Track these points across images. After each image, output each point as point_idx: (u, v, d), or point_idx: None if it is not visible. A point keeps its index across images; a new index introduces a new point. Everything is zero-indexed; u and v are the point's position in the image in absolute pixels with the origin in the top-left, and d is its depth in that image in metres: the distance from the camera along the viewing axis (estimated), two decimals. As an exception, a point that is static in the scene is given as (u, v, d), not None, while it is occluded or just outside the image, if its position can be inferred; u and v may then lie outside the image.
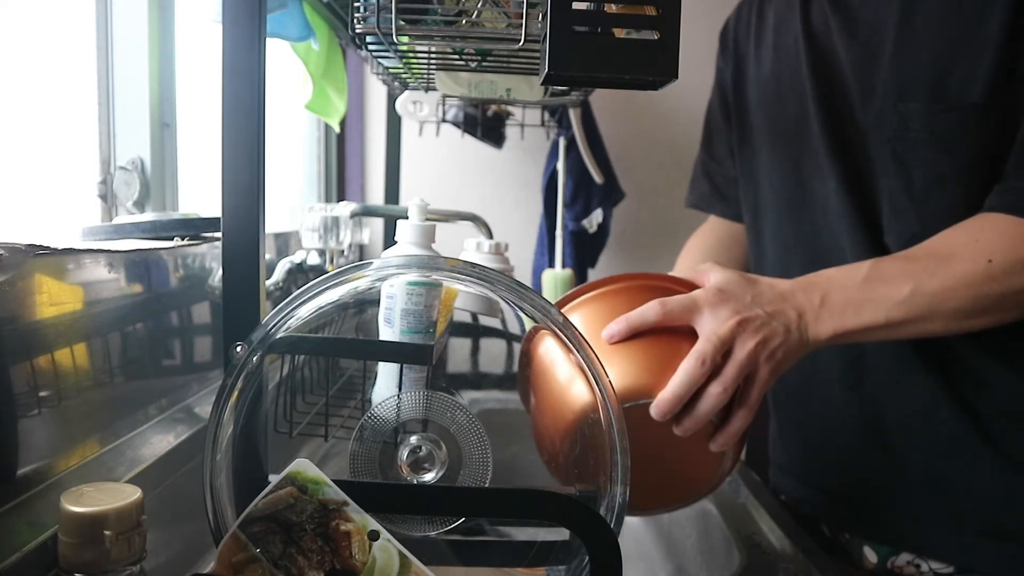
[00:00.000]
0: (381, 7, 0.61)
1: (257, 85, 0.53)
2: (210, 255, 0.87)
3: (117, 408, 0.70)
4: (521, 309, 0.58)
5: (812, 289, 0.70)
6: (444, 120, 1.32)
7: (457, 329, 1.16)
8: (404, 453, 0.58)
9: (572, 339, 0.57)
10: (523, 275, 1.55)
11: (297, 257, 1.01)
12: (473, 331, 1.16)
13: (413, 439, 0.58)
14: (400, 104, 1.17)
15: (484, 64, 0.83)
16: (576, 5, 0.51)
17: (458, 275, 0.60)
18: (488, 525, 0.69)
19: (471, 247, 0.93)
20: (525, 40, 0.60)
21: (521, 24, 0.59)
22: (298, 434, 0.65)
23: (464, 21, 0.64)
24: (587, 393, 0.60)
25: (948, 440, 0.82)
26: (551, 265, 1.43)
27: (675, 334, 0.66)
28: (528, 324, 0.79)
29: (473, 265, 0.58)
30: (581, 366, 0.57)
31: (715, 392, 0.63)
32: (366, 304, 0.65)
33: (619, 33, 0.52)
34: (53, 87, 0.82)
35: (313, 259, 1.04)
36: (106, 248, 0.69)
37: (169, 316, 0.81)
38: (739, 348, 0.65)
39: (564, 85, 1.04)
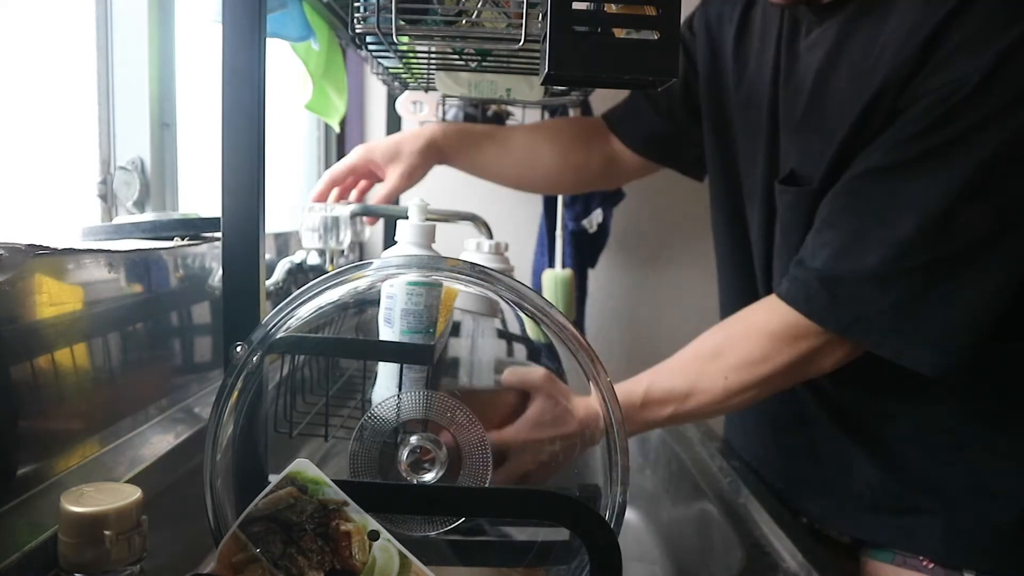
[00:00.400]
0: (381, 7, 0.61)
1: (257, 85, 0.53)
2: (210, 255, 0.87)
3: (117, 408, 0.70)
4: (521, 309, 0.58)
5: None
6: (444, 120, 1.32)
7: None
8: (404, 453, 0.58)
9: (570, 340, 0.57)
10: (523, 275, 1.55)
11: (297, 257, 1.01)
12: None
13: (413, 439, 0.58)
14: (400, 104, 1.17)
15: (484, 64, 0.83)
16: (576, 5, 0.51)
17: (458, 275, 0.60)
18: (488, 525, 0.69)
19: (471, 247, 0.93)
20: (525, 40, 0.60)
21: (521, 24, 0.59)
22: (298, 434, 0.65)
23: (464, 21, 0.64)
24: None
25: (828, 436, 0.95)
26: (551, 265, 1.43)
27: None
28: (528, 324, 0.79)
29: (473, 265, 0.58)
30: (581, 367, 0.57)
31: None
32: (366, 304, 0.65)
33: (619, 33, 0.52)
34: (53, 87, 0.82)
35: (313, 259, 1.03)
36: (106, 248, 0.69)
37: (169, 316, 0.81)
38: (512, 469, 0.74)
39: (564, 85, 1.04)
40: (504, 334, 1.04)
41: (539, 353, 1.06)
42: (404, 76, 1.03)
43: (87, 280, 0.66)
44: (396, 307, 0.62)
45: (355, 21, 0.63)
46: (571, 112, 1.36)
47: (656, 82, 0.55)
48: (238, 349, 0.54)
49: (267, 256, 0.75)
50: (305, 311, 0.56)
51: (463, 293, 0.78)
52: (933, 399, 0.85)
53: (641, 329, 1.71)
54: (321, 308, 0.57)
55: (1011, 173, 0.74)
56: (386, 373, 0.65)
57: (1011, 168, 0.74)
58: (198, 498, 0.55)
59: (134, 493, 0.48)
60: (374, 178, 1.08)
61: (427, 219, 0.70)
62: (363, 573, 0.51)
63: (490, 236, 1.13)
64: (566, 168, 1.17)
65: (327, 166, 1.58)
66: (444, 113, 1.30)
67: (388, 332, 0.63)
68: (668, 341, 1.63)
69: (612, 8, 0.52)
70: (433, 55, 0.87)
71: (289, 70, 1.11)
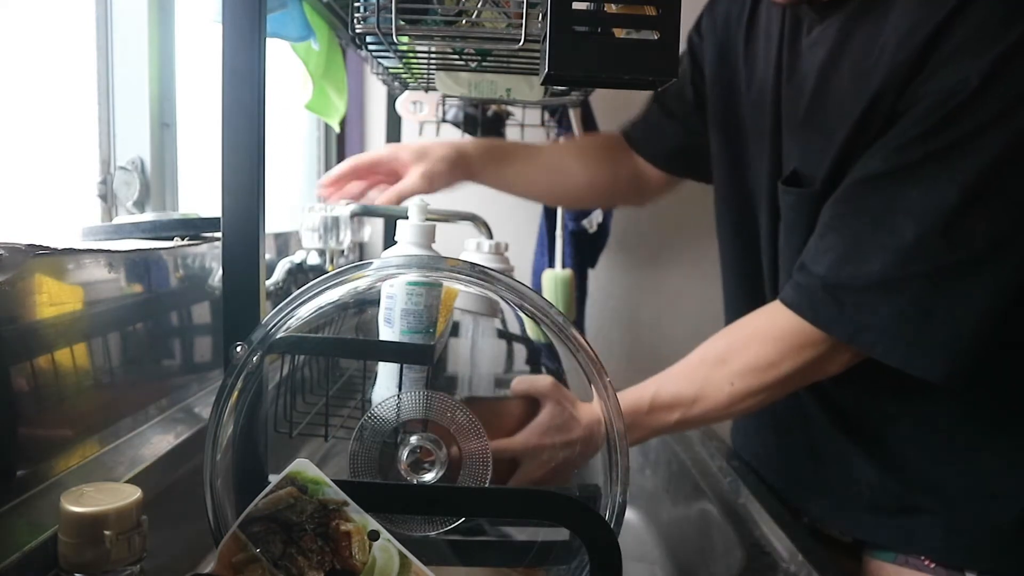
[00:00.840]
0: (381, 7, 0.61)
1: (257, 85, 0.53)
2: (210, 255, 0.87)
3: (117, 408, 0.70)
4: (521, 309, 0.58)
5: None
6: (444, 120, 1.32)
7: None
8: (404, 453, 0.58)
9: (570, 341, 0.57)
10: (523, 275, 1.55)
11: (297, 257, 1.01)
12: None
13: (413, 439, 0.58)
14: (400, 104, 1.17)
15: (484, 64, 0.83)
16: (576, 5, 0.51)
17: (458, 275, 0.60)
18: (488, 525, 0.69)
19: (471, 247, 0.93)
20: (525, 40, 0.60)
21: (521, 24, 0.59)
22: (298, 434, 0.65)
23: (464, 21, 0.64)
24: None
25: (828, 437, 0.95)
26: (551, 265, 1.43)
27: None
28: (528, 324, 0.80)
29: (473, 265, 0.58)
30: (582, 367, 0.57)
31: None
32: (366, 304, 0.65)
33: (619, 33, 0.52)
34: (53, 87, 0.82)
35: (313, 259, 1.03)
36: (106, 248, 0.69)
37: (169, 316, 0.81)
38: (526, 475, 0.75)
39: (564, 85, 1.04)
40: (504, 334, 1.04)
41: (539, 353, 1.06)
42: (404, 76, 1.03)
43: (87, 280, 0.66)
44: (396, 307, 0.62)
45: (355, 21, 0.63)
46: (571, 112, 1.36)
47: (656, 82, 0.55)
48: (238, 349, 0.54)
49: (267, 256, 0.75)
50: (305, 311, 0.56)
51: (463, 293, 0.78)
52: (933, 400, 0.85)
53: (641, 329, 1.71)
54: (321, 308, 0.57)
55: (1013, 175, 0.74)
56: (386, 373, 0.65)
57: (1013, 170, 0.74)
58: (198, 498, 0.55)
59: (134, 493, 0.48)
60: (395, 177, 1.06)
61: (427, 219, 0.70)
62: (363, 573, 0.51)
63: (490, 236, 1.13)
64: (594, 184, 1.18)
65: (327, 166, 1.59)
66: (444, 113, 1.30)
67: (388, 332, 0.63)
68: (668, 341, 1.64)
69: (612, 8, 0.52)
70: (433, 55, 0.87)
71: (289, 70, 1.11)
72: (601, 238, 1.54)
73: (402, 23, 0.62)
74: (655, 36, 0.51)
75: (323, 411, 0.65)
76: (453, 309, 0.76)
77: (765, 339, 0.83)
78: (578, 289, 1.49)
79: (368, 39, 0.68)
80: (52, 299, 0.61)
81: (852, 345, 0.79)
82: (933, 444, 0.87)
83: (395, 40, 0.63)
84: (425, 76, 0.98)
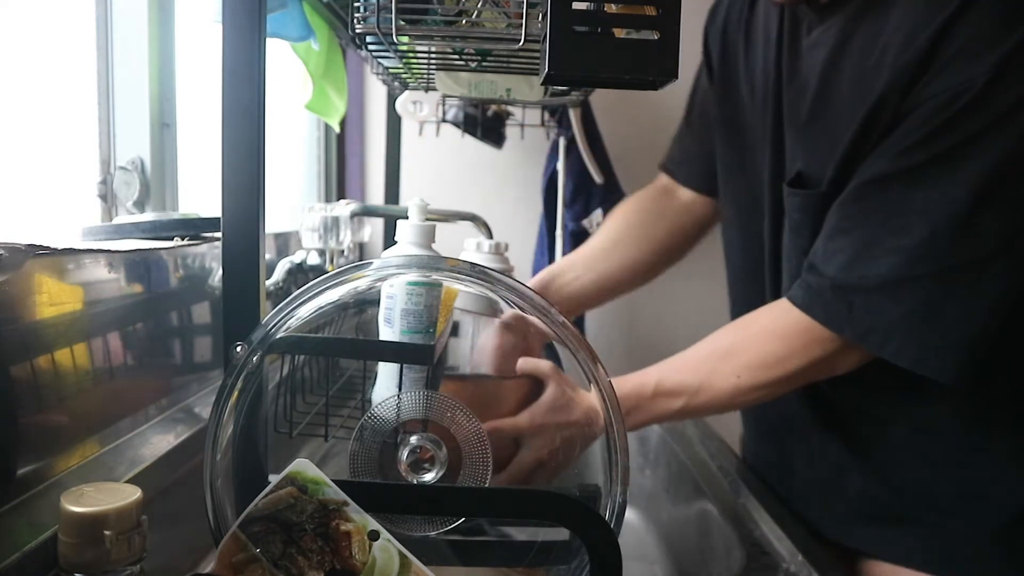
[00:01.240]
0: (381, 7, 0.61)
1: (257, 85, 0.53)
2: (210, 255, 0.87)
3: (117, 408, 0.70)
4: (521, 309, 0.58)
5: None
6: (444, 120, 1.32)
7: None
8: (404, 453, 0.58)
9: (571, 340, 0.57)
10: (523, 275, 1.55)
11: (297, 257, 1.01)
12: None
13: (413, 439, 0.58)
14: (400, 104, 1.17)
15: (484, 64, 0.83)
16: (576, 5, 0.51)
17: (458, 275, 0.60)
18: (488, 525, 0.69)
19: (471, 247, 0.93)
20: (525, 40, 0.60)
21: (521, 24, 0.59)
22: (298, 434, 0.65)
23: (464, 21, 0.64)
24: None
25: (820, 442, 0.95)
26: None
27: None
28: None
29: (473, 265, 0.58)
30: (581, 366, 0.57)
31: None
32: (366, 304, 0.65)
33: (619, 33, 0.52)
34: (53, 87, 0.82)
35: (313, 259, 1.03)
36: (106, 248, 0.69)
37: (169, 316, 0.81)
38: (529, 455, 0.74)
39: (564, 85, 1.04)
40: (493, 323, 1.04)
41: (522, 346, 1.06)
42: (404, 76, 1.03)
43: (87, 280, 0.66)
44: (396, 307, 0.62)
45: (355, 21, 0.63)
46: (571, 112, 1.36)
47: (656, 82, 0.55)
48: (238, 349, 0.54)
49: (267, 256, 0.75)
50: (305, 311, 0.56)
51: (463, 293, 0.78)
52: (928, 404, 0.85)
53: (641, 329, 1.71)
54: (321, 308, 0.57)
55: (1020, 173, 0.74)
56: (386, 373, 0.65)
57: (1020, 169, 0.73)
58: (198, 498, 0.55)
59: (134, 493, 0.48)
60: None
61: (427, 219, 0.70)
62: (363, 573, 0.51)
63: (490, 236, 1.13)
64: (656, 251, 1.15)
65: (327, 166, 1.59)
66: (444, 113, 1.30)
67: (388, 332, 0.63)
68: (668, 341, 1.63)
69: (612, 8, 0.52)
70: (433, 55, 0.87)
71: (289, 70, 1.11)
72: (601, 238, 1.54)
73: (402, 23, 0.62)
74: (655, 36, 0.51)
75: (323, 411, 0.65)
76: (453, 309, 0.76)
77: (774, 335, 0.83)
78: (578, 289, 1.49)
79: (368, 39, 0.68)
80: (52, 299, 0.61)
81: (862, 345, 0.79)
82: (926, 450, 0.87)
83: (395, 40, 0.63)
84: (425, 76, 0.98)
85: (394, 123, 1.46)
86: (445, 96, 1.18)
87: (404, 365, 0.63)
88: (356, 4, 0.63)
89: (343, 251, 1.06)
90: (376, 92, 1.59)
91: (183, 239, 0.79)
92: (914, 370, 0.78)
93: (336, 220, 1.04)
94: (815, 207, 0.85)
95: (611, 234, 1.15)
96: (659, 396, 0.84)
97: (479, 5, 0.63)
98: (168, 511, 0.63)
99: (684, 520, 1.01)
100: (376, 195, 1.63)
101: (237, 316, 0.55)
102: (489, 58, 0.81)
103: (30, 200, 0.79)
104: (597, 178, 1.43)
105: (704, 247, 1.19)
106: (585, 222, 1.49)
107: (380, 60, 0.94)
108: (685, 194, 1.16)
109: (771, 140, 0.93)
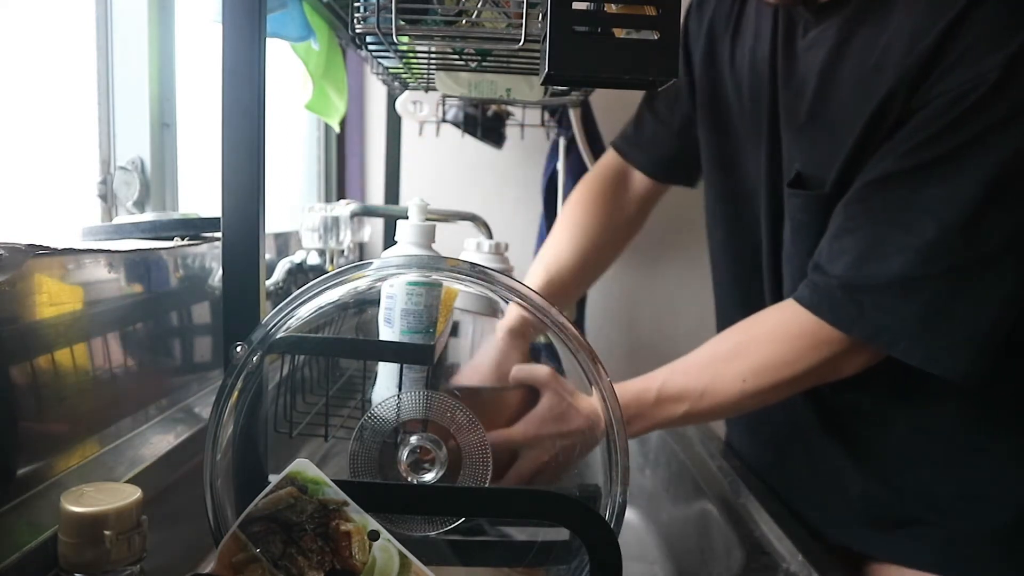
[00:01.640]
0: (381, 7, 0.61)
1: (257, 85, 0.53)
2: (210, 255, 0.87)
3: (117, 408, 0.70)
4: (521, 309, 0.58)
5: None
6: (444, 120, 1.32)
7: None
8: (404, 453, 0.58)
9: (571, 340, 0.57)
10: (523, 275, 1.54)
11: (297, 257, 1.01)
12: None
13: (413, 439, 0.58)
14: (400, 104, 1.17)
15: (484, 64, 0.83)
16: (576, 5, 0.51)
17: (458, 275, 0.60)
18: (488, 525, 0.69)
19: (471, 247, 0.93)
20: (525, 40, 0.60)
21: (521, 24, 0.59)
22: (298, 434, 0.65)
23: (464, 21, 0.64)
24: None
25: (821, 445, 0.95)
26: (551, 265, 1.42)
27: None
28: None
29: (473, 265, 0.58)
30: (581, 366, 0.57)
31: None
32: (366, 304, 0.65)
33: (619, 33, 0.52)
34: (53, 87, 0.82)
35: (313, 259, 1.03)
36: (106, 248, 0.69)
37: (169, 316, 0.81)
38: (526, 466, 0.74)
39: (564, 85, 1.04)
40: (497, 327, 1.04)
41: (539, 353, 1.06)
42: (404, 76, 1.03)
43: (87, 280, 0.66)
44: (396, 307, 0.62)
45: (355, 21, 0.63)
46: (571, 112, 1.36)
47: (656, 82, 0.54)
48: (238, 349, 0.54)
49: (267, 256, 0.75)
50: (305, 311, 0.56)
51: (463, 293, 0.78)
52: (930, 404, 0.85)
53: (641, 329, 1.71)
54: (321, 308, 0.57)
55: None
56: (386, 373, 0.65)
57: None
58: (198, 498, 0.55)
59: (134, 493, 0.48)
60: None
61: (427, 219, 0.70)
62: (363, 573, 0.51)
63: (490, 236, 1.13)
64: (603, 243, 1.16)
65: (327, 166, 1.59)
66: (444, 113, 1.30)
67: (388, 332, 0.63)
68: (668, 341, 1.64)
69: (612, 8, 0.52)
70: (433, 55, 0.87)
71: (289, 70, 1.11)
72: (601, 238, 1.54)
73: (402, 23, 0.62)
74: (655, 36, 0.51)
75: (323, 411, 0.65)
76: (453, 309, 0.76)
77: (781, 337, 0.82)
78: (578, 289, 1.49)
79: (368, 39, 0.68)
80: (52, 299, 0.61)
81: (872, 345, 0.79)
82: (926, 450, 0.87)
83: (395, 40, 0.63)
84: (425, 76, 0.98)
85: (394, 123, 1.46)
86: (445, 96, 1.18)
87: (404, 365, 0.63)
88: (356, 4, 0.63)
89: (343, 251, 1.06)
90: (376, 92, 1.59)
91: (183, 239, 0.79)
92: (924, 368, 0.77)
93: (336, 220, 1.04)
94: (819, 208, 0.84)
95: (574, 229, 1.15)
96: (662, 402, 0.83)
97: (479, 5, 0.63)
98: (168, 511, 0.63)
99: (684, 520, 1.01)
100: (376, 195, 1.63)
101: (237, 316, 0.55)
102: (489, 58, 0.81)
103: (30, 200, 0.79)
104: (597, 178, 1.43)
105: (704, 246, 1.19)
106: (585, 222, 1.49)
107: (380, 60, 0.94)
108: (638, 179, 1.16)
109: (766, 141, 0.92)
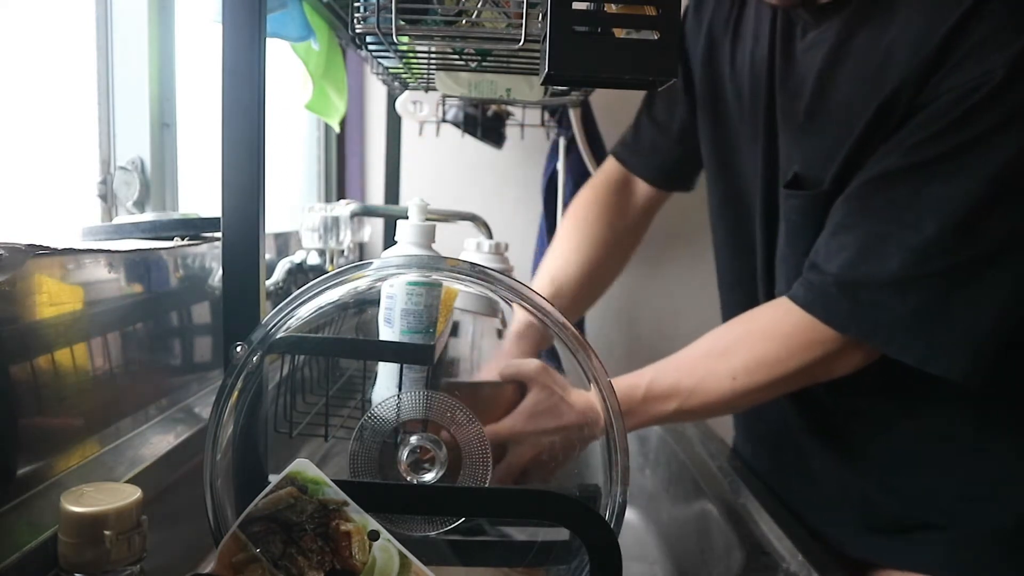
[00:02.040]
0: (381, 7, 0.61)
1: (257, 85, 0.53)
2: (210, 255, 0.87)
3: (117, 408, 0.70)
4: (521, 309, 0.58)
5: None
6: (444, 120, 1.32)
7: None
8: (404, 453, 0.58)
9: (571, 340, 0.57)
10: (523, 275, 1.55)
11: (297, 257, 1.01)
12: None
13: (413, 439, 0.58)
14: (400, 104, 1.17)
15: (484, 64, 0.83)
16: (576, 5, 0.51)
17: (458, 275, 0.60)
18: (488, 525, 0.69)
19: (471, 247, 0.93)
20: (525, 40, 0.60)
21: (521, 24, 0.59)
22: (298, 434, 0.65)
23: (464, 21, 0.64)
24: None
25: (818, 451, 0.94)
26: (551, 265, 1.42)
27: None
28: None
29: (473, 265, 0.58)
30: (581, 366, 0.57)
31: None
32: (366, 304, 0.65)
33: (619, 33, 0.52)
34: (53, 87, 0.82)
35: (313, 259, 1.03)
36: (106, 248, 0.69)
37: (169, 316, 0.81)
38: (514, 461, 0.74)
39: (564, 85, 1.04)
40: (504, 334, 1.04)
41: (539, 353, 1.06)
42: (404, 76, 1.03)
43: (87, 280, 0.66)
44: (396, 307, 0.62)
45: (355, 21, 0.63)
46: (571, 112, 1.36)
47: (656, 82, 0.55)
48: (238, 349, 0.54)
49: (267, 256, 0.75)
50: (305, 311, 0.56)
51: (463, 293, 0.78)
52: (928, 405, 0.85)
53: (641, 329, 1.71)
54: (321, 308, 0.57)
55: None
56: (386, 373, 0.65)
57: None
58: (198, 498, 0.55)
59: (134, 493, 0.48)
60: None
61: (427, 219, 0.70)
62: (363, 573, 0.51)
63: (490, 236, 1.13)
64: (617, 246, 1.16)
65: (327, 166, 1.59)
66: (444, 113, 1.30)
67: (388, 332, 0.63)
68: (668, 341, 1.63)
69: (612, 8, 0.52)
70: (433, 55, 0.87)
71: (289, 70, 1.11)
72: (601, 238, 1.54)
73: (402, 23, 0.62)
74: (655, 36, 0.51)
75: (323, 411, 0.65)
76: (453, 309, 0.76)
77: (772, 335, 0.82)
78: (578, 289, 1.49)
79: (368, 39, 0.68)
80: (52, 299, 0.61)
81: (867, 343, 0.78)
82: (927, 453, 0.87)
83: (395, 40, 0.63)
84: (425, 76, 0.98)
85: (394, 123, 1.46)
86: (445, 96, 1.18)
87: (404, 365, 0.63)
88: (356, 4, 0.63)
89: (343, 251, 1.06)
90: (376, 92, 1.59)
91: (183, 239, 0.79)
92: (921, 368, 0.77)
93: (336, 220, 1.04)
94: (815, 208, 0.84)
95: (579, 239, 1.15)
96: (651, 399, 0.82)
97: (479, 5, 0.63)
98: (168, 511, 0.63)
99: (684, 520, 1.01)
100: (376, 195, 1.63)
101: (237, 316, 0.55)
102: (489, 58, 0.81)
103: (30, 200, 0.79)
104: (597, 178, 1.43)
105: (704, 247, 1.19)
106: (585, 222, 1.49)
107: (380, 60, 0.94)
108: (641, 187, 1.16)
109: (763, 142, 0.92)
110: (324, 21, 1.04)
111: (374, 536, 0.51)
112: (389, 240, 1.41)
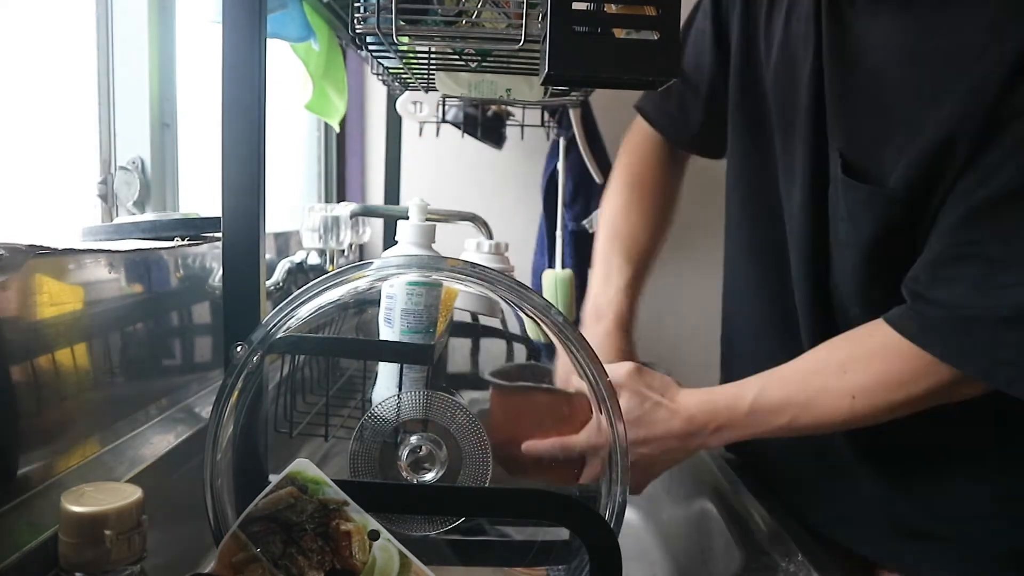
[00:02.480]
0: (381, 7, 0.61)
1: (257, 85, 0.53)
2: (210, 255, 0.87)
3: (117, 408, 0.70)
4: (521, 309, 0.58)
5: (707, 419, 0.78)
6: (444, 120, 1.32)
7: (457, 329, 1.16)
8: (404, 453, 0.58)
9: (571, 340, 0.57)
10: (523, 275, 1.55)
11: (297, 257, 1.01)
12: (472, 331, 1.16)
13: (413, 439, 0.58)
14: (400, 104, 1.17)
15: (484, 64, 0.83)
16: (576, 5, 0.51)
17: (458, 275, 0.60)
18: (488, 525, 0.69)
19: (471, 247, 0.93)
20: (525, 40, 0.60)
21: (521, 24, 0.59)
22: (298, 434, 0.65)
23: (464, 21, 0.64)
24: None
25: (838, 451, 0.90)
26: (551, 265, 1.42)
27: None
28: (528, 324, 0.78)
29: (473, 265, 0.58)
30: (581, 366, 0.57)
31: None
32: (366, 304, 0.65)
33: (619, 33, 0.52)
34: (53, 87, 0.82)
35: (313, 259, 1.03)
36: (106, 248, 0.69)
37: (169, 316, 0.81)
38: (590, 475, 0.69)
39: (564, 85, 1.04)
40: (504, 334, 1.04)
41: (539, 353, 1.06)
42: (404, 76, 1.03)
43: (87, 280, 0.66)
44: (396, 307, 0.62)
45: (355, 21, 0.63)
46: (571, 112, 1.36)
47: (656, 82, 0.55)
48: (238, 349, 0.54)
49: (267, 256, 0.75)
50: (305, 311, 0.56)
51: (463, 293, 0.78)
52: (968, 423, 0.81)
53: (641, 329, 1.70)
54: (321, 308, 0.57)
55: None
56: (386, 373, 0.65)
57: None
58: (198, 498, 0.55)
59: (134, 493, 0.48)
60: None
61: (427, 219, 0.70)
62: (363, 573, 0.51)
63: (490, 236, 1.13)
64: (671, 207, 1.13)
65: (327, 166, 1.59)
66: (444, 113, 1.30)
67: (388, 332, 0.63)
68: (669, 341, 1.63)
69: (612, 8, 0.52)
70: (433, 55, 0.87)
71: (289, 70, 1.11)
72: (601, 238, 1.54)
73: (402, 23, 0.62)
74: (655, 36, 0.52)
75: (323, 411, 0.65)
76: (453, 309, 0.76)
77: (893, 355, 0.75)
78: (578, 289, 1.49)
79: (368, 39, 0.68)
80: (52, 299, 0.61)
81: (987, 382, 0.73)
82: (957, 467, 0.83)
83: (395, 40, 0.63)
84: (425, 76, 0.98)
85: (394, 123, 1.46)
86: (445, 96, 1.18)
87: (404, 365, 0.63)
88: (356, 4, 0.63)
89: (343, 251, 1.06)
90: (376, 92, 1.60)
91: (183, 239, 0.79)
92: None
93: (336, 220, 1.04)
94: (879, 204, 0.77)
95: (642, 206, 1.11)
96: (757, 412, 0.78)
97: (479, 5, 0.63)
98: (168, 511, 0.63)
99: (684, 520, 1.01)
100: (376, 195, 1.63)
101: (237, 316, 0.55)
102: (489, 58, 0.81)
103: (30, 200, 0.79)
104: (597, 178, 1.43)
105: (705, 246, 1.20)
106: (585, 222, 1.49)
107: (380, 60, 0.94)
108: (679, 154, 1.12)
109: (807, 119, 0.83)
110: (324, 21, 1.04)
111: (374, 536, 0.51)
112: (389, 240, 1.41)
